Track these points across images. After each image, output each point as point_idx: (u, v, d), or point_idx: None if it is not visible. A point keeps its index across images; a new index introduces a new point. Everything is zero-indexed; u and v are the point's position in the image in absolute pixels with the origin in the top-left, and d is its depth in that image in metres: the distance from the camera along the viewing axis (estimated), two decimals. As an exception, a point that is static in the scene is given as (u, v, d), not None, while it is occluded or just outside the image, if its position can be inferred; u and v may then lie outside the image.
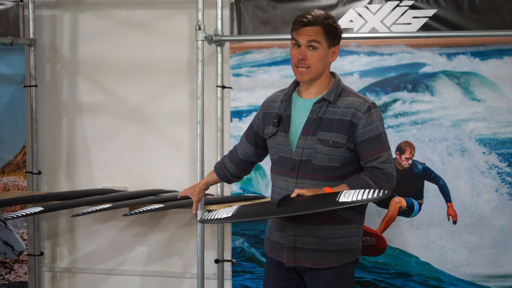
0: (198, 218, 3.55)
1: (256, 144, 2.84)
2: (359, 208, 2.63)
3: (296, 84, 2.70)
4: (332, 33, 2.57)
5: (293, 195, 2.47)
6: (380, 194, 2.37)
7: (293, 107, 2.65)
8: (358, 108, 2.55)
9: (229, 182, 3.05)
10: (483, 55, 3.68)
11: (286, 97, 2.67)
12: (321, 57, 2.56)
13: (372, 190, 2.39)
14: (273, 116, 2.68)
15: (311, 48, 2.55)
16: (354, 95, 2.61)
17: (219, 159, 3.92)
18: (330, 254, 2.60)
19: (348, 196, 2.38)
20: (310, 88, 2.63)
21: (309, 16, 2.54)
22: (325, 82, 2.63)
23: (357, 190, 2.42)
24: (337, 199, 2.38)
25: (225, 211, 2.62)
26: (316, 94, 2.62)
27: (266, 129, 2.71)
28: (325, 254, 2.60)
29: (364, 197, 2.35)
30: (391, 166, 2.57)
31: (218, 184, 3.93)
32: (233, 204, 3.74)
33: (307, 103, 2.62)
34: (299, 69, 2.57)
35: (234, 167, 2.94)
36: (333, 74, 2.66)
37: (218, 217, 2.59)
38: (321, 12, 2.58)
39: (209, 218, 2.64)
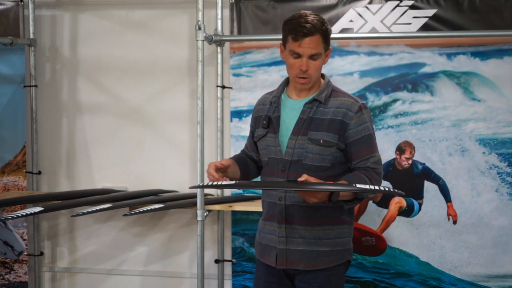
0: (199, 218, 3.55)
1: (257, 149, 2.75)
2: (349, 208, 2.62)
3: (285, 85, 2.68)
4: (328, 39, 2.55)
5: (301, 179, 2.41)
6: (396, 191, 2.42)
7: (282, 109, 2.62)
8: (350, 108, 2.54)
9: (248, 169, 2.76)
10: (483, 55, 3.68)
11: (275, 99, 2.65)
12: (321, 65, 2.56)
13: (388, 187, 2.44)
14: (262, 119, 2.65)
15: (313, 59, 2.51)
16: (345, 95, 2.60)
17: (219, 159, 3.92)
18: (322, 255, 2.58)
19: (363, 186, 2.40)
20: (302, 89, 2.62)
21: (308, 25, 2.47)
22: (316, 83, 2.62)
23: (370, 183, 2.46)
24: (353, 184, 2.41)
25: (227, 181, 2.54)
26: (306, 95, 2.60)
27: (256, 131, 2.69)
28: (317, 255, 2.57)
29: (382, 188, 2.40)
30: (382, 167, 2.61)
31: (218, 184, 3.93)
32: (233, 204, 3.75)
33: (297, 104, 2.61)
34: (301, 79, 2.54)
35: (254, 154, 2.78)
36: (322, 75, 2.65)
37: (219, 183, 2.47)
38: (315, 17, 2.51)
39: (208, 183, 2.50)
